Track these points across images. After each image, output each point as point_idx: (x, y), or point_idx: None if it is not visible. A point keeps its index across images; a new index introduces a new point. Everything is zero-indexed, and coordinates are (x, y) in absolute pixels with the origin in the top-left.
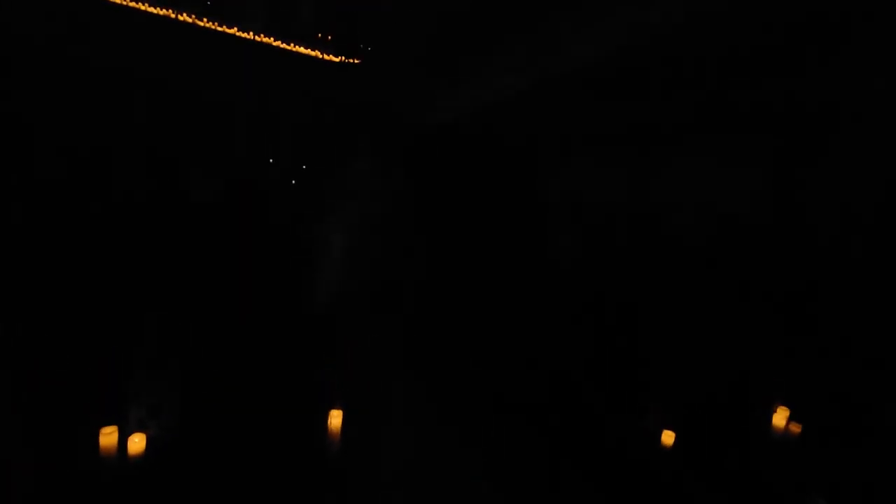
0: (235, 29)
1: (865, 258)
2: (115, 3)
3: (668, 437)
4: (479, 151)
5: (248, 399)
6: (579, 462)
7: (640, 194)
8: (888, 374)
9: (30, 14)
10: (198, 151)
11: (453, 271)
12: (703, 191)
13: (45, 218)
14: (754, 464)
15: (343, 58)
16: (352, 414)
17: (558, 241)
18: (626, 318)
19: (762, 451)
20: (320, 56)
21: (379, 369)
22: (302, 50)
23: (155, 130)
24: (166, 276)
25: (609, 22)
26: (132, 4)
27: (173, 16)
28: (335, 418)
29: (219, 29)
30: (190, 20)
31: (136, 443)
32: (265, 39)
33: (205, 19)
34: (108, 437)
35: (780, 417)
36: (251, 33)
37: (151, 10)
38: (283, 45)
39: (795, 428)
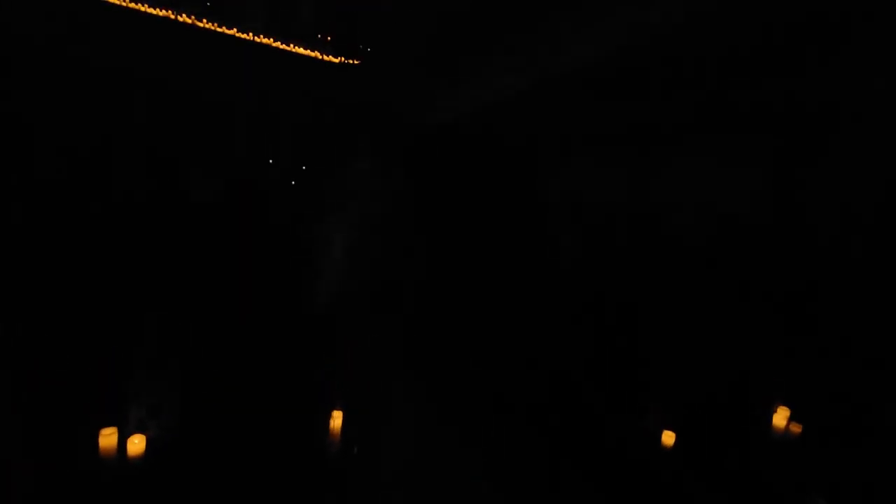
0: (235, 30)
1: (865, 258)
2: (114, 4)
3: (668, 437)
4: (478, 151)
5: (248, 399)
6: (579, 462)
7: (640, 194)
8: (888, 374)
9: (30, 14)
10: (198, 151)
11: (453, 271)
12: (703, 191)
13: (44, 218)
14: (754, 464)
15: (343, 58)
16: (351, 414)
17: (558, 240)
18: (626, 317)
19: (762, 451)
20: (320, 56)
21: (379, 369)
22: (301, 51)
23: (155, 130)
24: (166, 276)
25: (609, 22)
26: (132, 5)
27: (173, 16)
28: (335, 419)
29: (218, 30)
30: (190, 21)
31: (136, 444)
32: (265, 40)
33: (204, 20)
34: (108, 438)
35: (780, 417)
36: (251, 34)
37: (151, 10)
38: (283, 46)
39: (795, 428)
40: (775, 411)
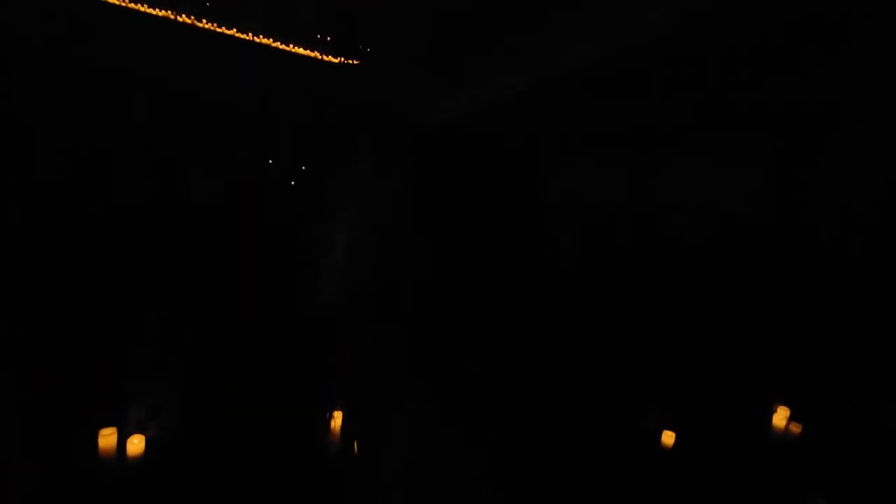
0: (235, 30)
1: (865, 258)
2: (114, 4)
3: (668, 438)
4: (479, 151)
5: (248, 399)
6: (579, 462)
7: (640, 194)
8: (888, 374)
9: (30, 14)
10: (198, 151)
11: (453, 271)
12: (703, 191)
13: (44, 218)
14: (754, 464)
15: (342, 59)
16: (351, 414)
17: (558, 240)
18: (626, 317)
19: (762, 451)
20: (320, 57)
21: (378, 369)
22: (301, 51)
23: (155, 130)
24: (166, 277)
25: (609, 22)
26: (131, 5)
27: (173, 17)
28: (335, 419)
29: (218, 30)
30: (189, 21)
31: (136, 444)
32: (265, 40)
33: (204, 20)
34: (107, 438)
35: (780, 417)
36: (250, 34)
37: (151, 11)
38: (283, 47)
39: (795, 428)
40: (775, 411)
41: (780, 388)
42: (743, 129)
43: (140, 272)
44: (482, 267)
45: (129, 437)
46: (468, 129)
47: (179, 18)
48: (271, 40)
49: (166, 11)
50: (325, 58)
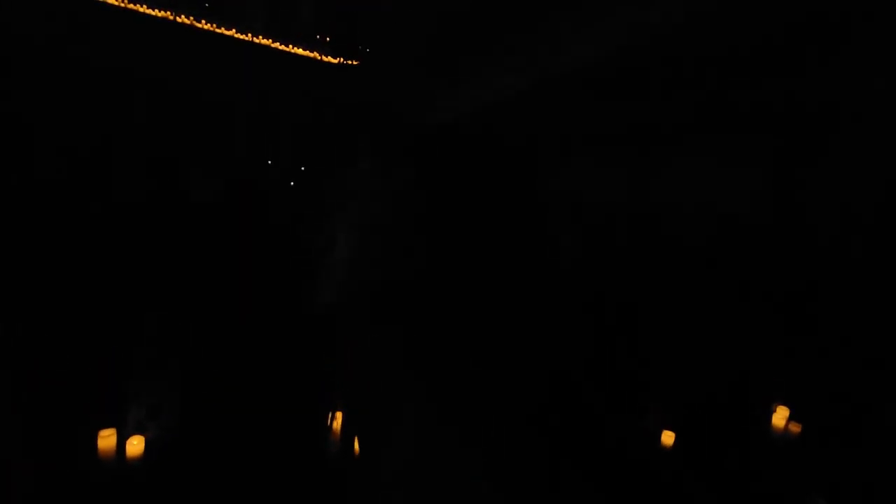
0: (234, 30)
1: (865, 258)
2: (114, 5)
3: (667, 438)
4: (479, 151)
5: (248, 400)
6: (579, 462)
7: (640, 194)
8: (888, 374)
9: (29, 14)
10: (197, 151)
11: (454, 271)
12: (703, 191)
13: (44, 218)
14: (754, 464)
15: (341, 59)
16: (351, 414)
17: (558, 241)
18: (626, 317)
19: (762, 451)
20: (319, 57)
21: (379, 369)
22: (300, 51)
23: (154, 131)
24: (166, 277)
25: (609, 22)
26: (131, 6)
27: (172, 17)
28: (335, 419)
29: (217, 30)
30: (189, 21)
31: (135, 445)
32: (264, 41)
33: (203, 20)
34: (107, 439)
35: (779, 417)
36: (250, 35)
37: (150, 11)
38: (283, 47)
39: (795, 428)
40: (774, 411)
41: (779, 388)
42: (743, 129)
43: (140, 272)
44: (483, 267)
45: (128, 438)
46: (468, 129)
47: (178, 19)
48: (270, 41)
49: (165, 12)
50: (324, 58)
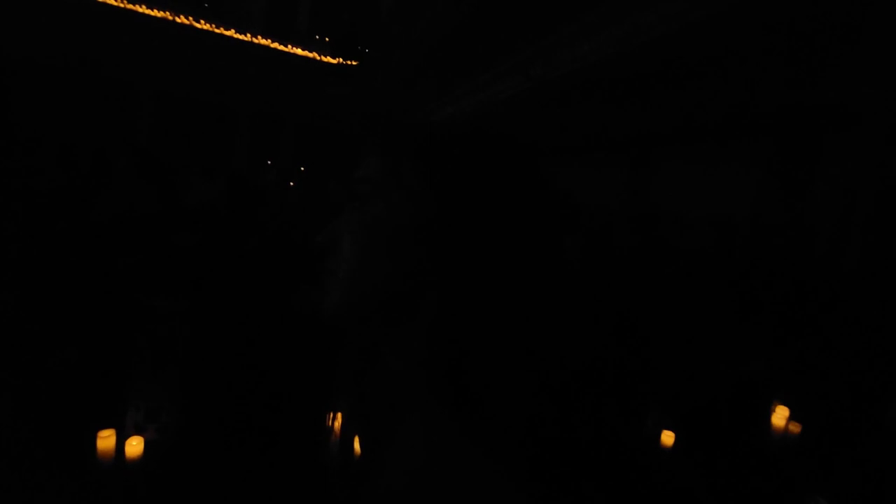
0: (233, 31)
1: (865, 258)
2: (113, 6)
3: (667, 438)
4: (486, 152)
5: (248, 402)
6: (579, 462)
7: (640, 198)
8: (888, 374)
9: (27, 16)
10: (197, 153)
11: (463, 272)
12: (702, 193)
13: (43, 220)
14: (754, 464)
15: (340, 59)
16: (357, 419)
17: (558, 245)
18: (626, 318)
19: (761, 451)
20: (318, 58)
21: (387, 374)
22: (299, 51)
23: (154, 132)
24: (166, 279)
25: (608, 27)
26: (130, 7)
27: (171, 18)
28: (339, 423)
29: (217, 31)
30: (187, 22)
31: (134, 446)
32: (263, 41)
33: (202, 21)
34: (106, 440)
35: (779, 417)
36: (249, 35)
37: (149, 12)
38: (282, 48)
39: (795, 428)
40: (774, 411)
41: (779, 388)
42: (742, 133)
43: (140, 273)
44: (491, 268)
45: (127, 438)
46: (470, 130)
47: (177, 20)
48: (269, 41)
49: (164, 13)
50: (324, 59)
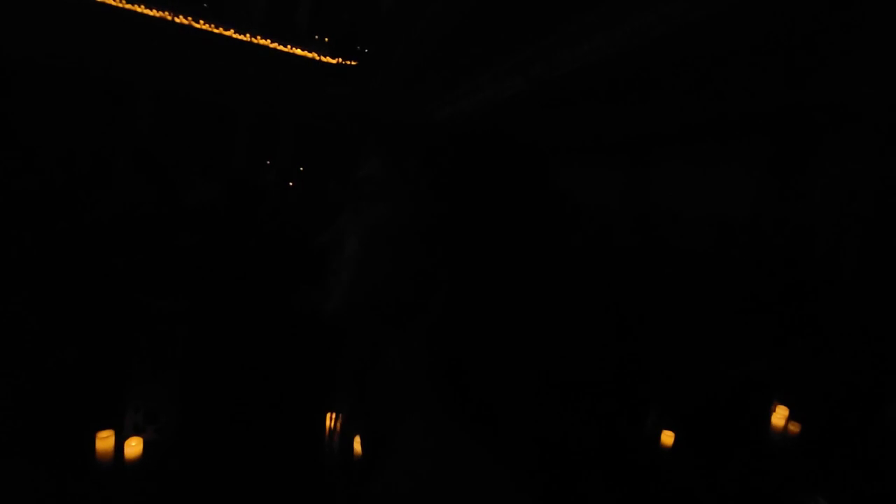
0: (233, 31)
1: (864, 258)
2: (112, 5)
3: (667, 438)
4: (485, 152)
5: (248, 402)
6: (581, 461)
7: (640, 198)
8: (888, 374)
9: (27, 16)
10: (197, 153)
11: (468, 272)
12: (702, 194)
13: (44, 220)
14: (753, 463)
15: (340, 59)
16: (358, 420)
17: (562, 245)
18: (626, 318)
19: (761, 451)
20: (318, 58)
21: (390, 375)
22: (299, 52)
23: (153, 132)
24: (166, 279)
25: (608, 27)
26: (129, 6)
27: (170, 18)
28: (339, 424)
29: (216, 31)
30: (187, 22)
31: (133, 446)
32: (263, 42)
33: (201, 21)
34: (105, 440)
35: (779, 417)
36: (248, 35)
37: (148, 12)
38: (282, 48)
39: (794, 427)
40: (774, 411)
41: (778, 388)
42: (742, 133)
43: (140, 273)
44: (497, 269)
45: (126, 439)
46: (477, 130)
47: (177, 20)
48: (269, 41)
49: (163, 13)
50: (323, 59)
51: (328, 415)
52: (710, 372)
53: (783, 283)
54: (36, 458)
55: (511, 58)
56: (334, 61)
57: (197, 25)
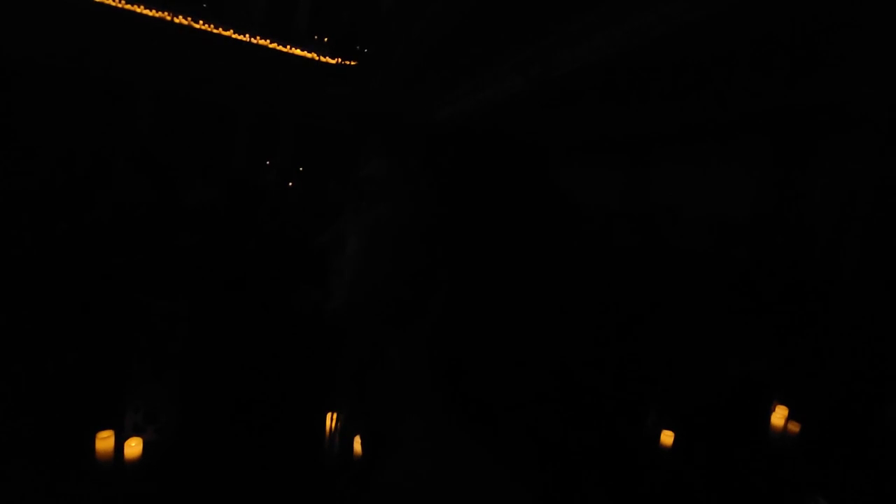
0: (232, 31)
1: (864, 258)
2: (111, 6)
3: (667, 437)
4: (487, 152)
5: (248, 403)
6: (580, 461)
7: (640, 197)
8: (888, 374)
9: (27, 16)
10: (196, 154)
11: (469, 272)
12: (701, 194)
13: (44, 221)
14: (753, 463)
15: (340, 59)
16: (359, 420)
17: (563, 246)
18: (626, 318)
19: (761, 451)
20: (318, 58)
21: (392, 375)
22: (298, 52)
23: (153, 133)
24: (166, 280)
25: (608, 27)
26: (128, 7)
27: (169, 18)
28: (340, 425)
29: (216, 31)
30: (186, 22)
31: (133, 447)
32: (263, 42)
33: (201, 21)
34: (105, 441)
35: (778, 416)
36: (248, 35)
37: (148, 12)
38: (282, 48)
39: (794, 427)
40: (773, 410)
41: (778, 388)
42: (741, 133)
43: (140, 273)
44: (499, 269)
45: (126, 439)
46: (480, 130)
47: (176, 20)
48: (268, 42)
49: (162, 13)
50: (323, 59)
51: (328, 415)
52: (710, 372)
53: (783, 283)
54: (36, 458)
55: (511, 58)
56: (334, 61)
57: (196, 26)
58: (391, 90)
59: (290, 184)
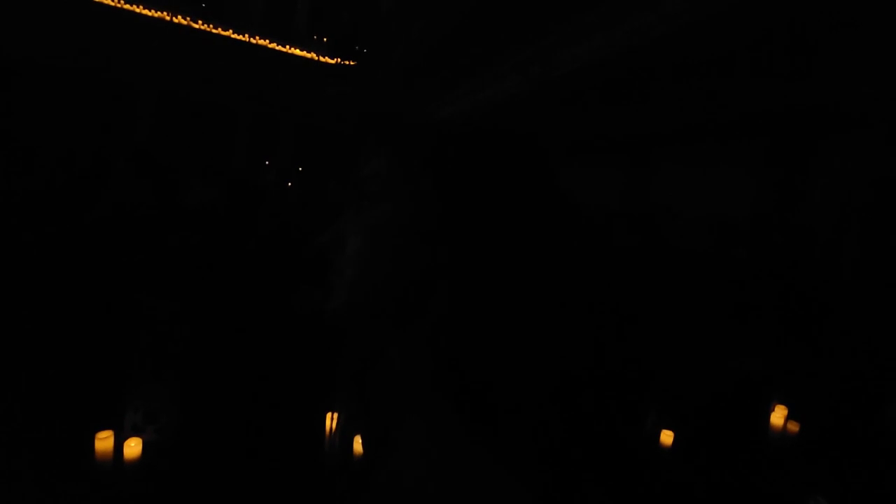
0: (231, 31)
1: (863, 257)
2: (111, 6)
3: (667, 437)
4: (488, 152)
5: (248, 403)
6: (580, 461)
7: (640, 197)
8: (887, 374)
9: (27, 16)
10: (196, 154)
11: (469, 272)
12: (701, 194)
13: (44, 221)
14: (753, 463)
15: (339, 59)
16: (359, 420)
17: (564, 246)
18: (626, 318)
19: (761, 450)
20: (317, 58)
21: (393, 376)
22: (298, 52)
23: (153, 133)
24: (166, 280)
25: (608, 27)
26: (127, 7)
27: (168, 18)
28: (340, 425)
29: (215, 31)
30: (185, 22)
31: (132, 447)
32: (262, 42)
33: (200, 21)
34: (104, 441)
35: (778, 416)
36: (247, 35)
37: (147, 12)
38: (281, 48)
39: (794, 427)
40: (773, 410)
41: (777, 388)
42: (741, 134)
43: (140, 273)
44: (500, 269)
45: (126, 440)
46: (477, 129)
47: (175, 20)
48: (267, 41)
49: (161, 13)
50: (323, 59)
51: (328, 415)
52: (710, 372)
53: (783, 283)
54: (36, 458)
55: (511, 58)
56: (333, 61)
57: (196, 26)
58: (391, 90)
59: (290, 184)
